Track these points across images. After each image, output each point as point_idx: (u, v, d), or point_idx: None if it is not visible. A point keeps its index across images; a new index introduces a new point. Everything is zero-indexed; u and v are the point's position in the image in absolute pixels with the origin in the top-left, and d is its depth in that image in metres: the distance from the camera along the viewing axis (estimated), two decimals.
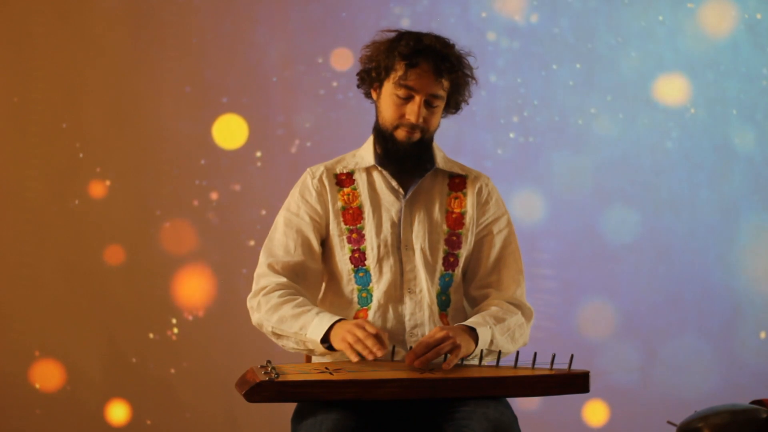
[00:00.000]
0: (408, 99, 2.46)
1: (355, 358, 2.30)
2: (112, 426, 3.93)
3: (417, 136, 2.49)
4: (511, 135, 4.06)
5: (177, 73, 3.96)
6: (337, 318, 2.39)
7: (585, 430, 4.05)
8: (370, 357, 2.28)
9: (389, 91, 2.48)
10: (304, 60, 3.99)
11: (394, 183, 2.54)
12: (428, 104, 2.47)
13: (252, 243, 3.95)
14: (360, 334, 2.30)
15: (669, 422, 2.64)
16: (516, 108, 4.06)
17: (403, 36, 2.48)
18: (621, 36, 4.09)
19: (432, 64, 2.44)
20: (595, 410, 4.04)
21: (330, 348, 2.38)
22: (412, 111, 2.46)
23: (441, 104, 2.50)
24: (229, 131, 3.99)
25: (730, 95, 4.12)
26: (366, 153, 2.58)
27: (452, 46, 2.49)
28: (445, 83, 2.48)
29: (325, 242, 2.56)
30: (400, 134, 2.49)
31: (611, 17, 4.09)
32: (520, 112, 4.07)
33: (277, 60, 3.99)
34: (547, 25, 4.07)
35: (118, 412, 3.93)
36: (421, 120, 2.46)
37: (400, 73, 2.45)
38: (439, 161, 2.58)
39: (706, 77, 4.11)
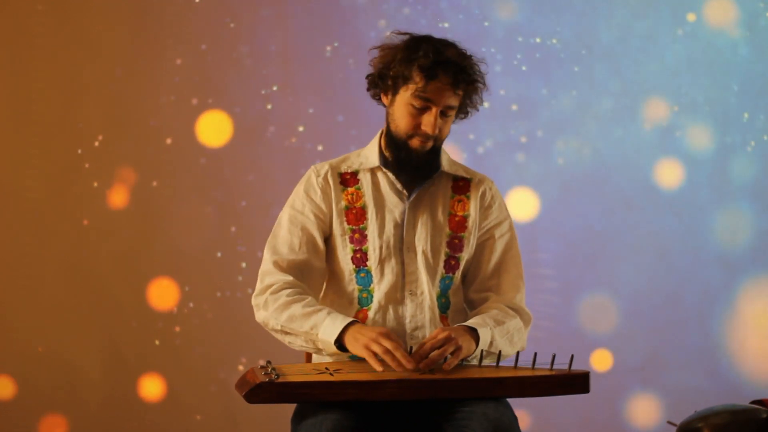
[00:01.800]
0: (424, 110, 2.44)
1: (380, 368, 2.29)
2: (113, 425, 3.93)
3: (430, 144, 2.48)
4: (513, 132, 4.06)
5: (176, 73, 3.96)
6: (349, 320, 2.39)
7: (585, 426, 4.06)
8: (399, 369, 2.27)
9: (405, 100, 2.45)
10: (305, 59, 3.99)
11: (398, 185, 2.54)
12: (443, 114, 2.46)
13: (252, 241, 3.94)
14: (389, 345, 2.28)
15: (669, 422, 2.64)
16: (516, 106, 4.06)
17: (421, 45, 2.44)
18: (621, 36, 4.09)
19: (451, 77, 2.42)
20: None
21: (341, 348, 2.38)
22: (429, 123, 2.44)
23: (454, 113, 2.49)
24: (228, 129, 3.99)
25: (730, 95, 4.11)
26: (371, 153, 2.57)
27: (470, 57, 2.47)
28: (460, 93, 2.46)
29: (327, 241, 2.56)
30: (415, 143, 2.47)
31: (611, 17, 4.09)
32: (521, 111, 4.06)
33: (278, 58, 3.99)
34: (548, 24, 4.07)
35: (118, 411, 3.93)
36: (437, 131, 2.46)
37: (419, 84, 2.42)
38: (444, 164, 2.57)
39: (707, 77, 4.11)
